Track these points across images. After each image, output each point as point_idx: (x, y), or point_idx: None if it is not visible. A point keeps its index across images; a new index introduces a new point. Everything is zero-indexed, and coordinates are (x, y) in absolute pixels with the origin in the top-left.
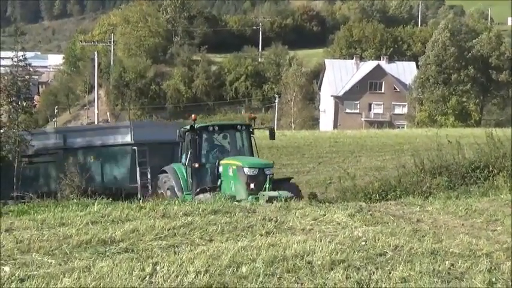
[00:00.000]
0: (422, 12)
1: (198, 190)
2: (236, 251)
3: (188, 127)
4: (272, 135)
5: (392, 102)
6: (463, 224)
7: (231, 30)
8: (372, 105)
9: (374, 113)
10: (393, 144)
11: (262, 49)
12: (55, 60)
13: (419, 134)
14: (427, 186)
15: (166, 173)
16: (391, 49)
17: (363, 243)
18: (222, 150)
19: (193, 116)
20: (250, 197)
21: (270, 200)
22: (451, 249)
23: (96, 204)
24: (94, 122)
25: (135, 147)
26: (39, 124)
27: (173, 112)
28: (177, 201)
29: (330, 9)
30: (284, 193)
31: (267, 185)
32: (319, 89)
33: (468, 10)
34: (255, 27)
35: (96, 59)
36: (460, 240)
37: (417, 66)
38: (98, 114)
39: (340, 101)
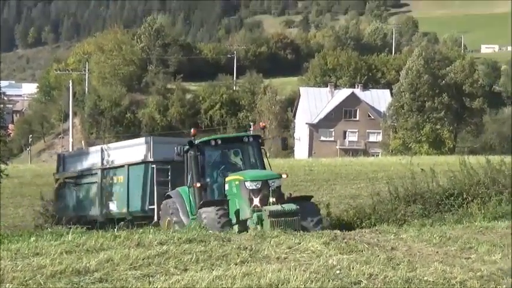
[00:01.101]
0: (396, 39)
1: (201, 203)
2: (211, 280)
3: (187, 143)
4: (284, 146)
5: (367, 130)
6: (437, 252)
7: (205, 58)
8: (347, 133)
9: (349, 141)
10: (368, 172)
11: (237, 77)
12: (29, 89)
13: (393, 162)
14: (402, 214)
15: (172, 197)
16: (366, 77)
17: (338, 271)
18: (229, 166)
19: (192, 130)
20: (254, 214)
21: (244, 228)
22: (425, 278)
23: (70, 233)
24: (69, 151)
25: (154, 166)
26: (14, 153)
27: None
28: (151, 230)
29: (305, 37)
30: (289, 206)
31: (271, 198)
32: (294, 116)
33: (442, 37)
34: (229, 55)
35: (71, 87)
36: (434, 269)
37: (391, 94)
38: (72, 142)
39: (315, 128)
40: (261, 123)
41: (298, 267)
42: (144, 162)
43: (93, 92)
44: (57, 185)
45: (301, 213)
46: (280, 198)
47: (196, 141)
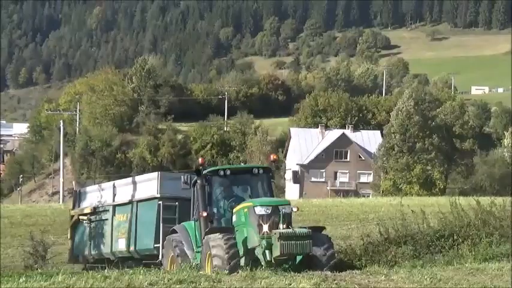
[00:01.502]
0: (387, 81)
1: (207, 230)
2: None
3: (194, 172)
4: (296, 179)
5: (358, 171)
6: None
7: (197, 99)
8: (338, 174)
9: (339, 182)
10: (358, 213)
11: (228, 118)
12: (20, 128)
13: (384, 203)
14: (392, 255)
15: (176, 232)
16: (356, 118)
17: None
18: (237, 199)
19: (200, 159)
20: (263, 241)
21: (251, 259)
22: None
23: (60, 274)
24: (59, 192)
25: (161, 202)
26: (4, 193)
27: None
28: (142, 271)
29: (296, 78)
30: (301, 229)
31: (281, 225)
32: (285, 157)
33: (432, 79)
34: (220, 96)
35: (61, 127)
36: None
37: (382, 135)
38: (63, 183)
39: (305, 169)
40: (272, 155)
41: None
42: (151, 198)
43: (84, 132)
44: (72, 222)
45: (313, 242)
46: (291, 226)
47: (205, 171)
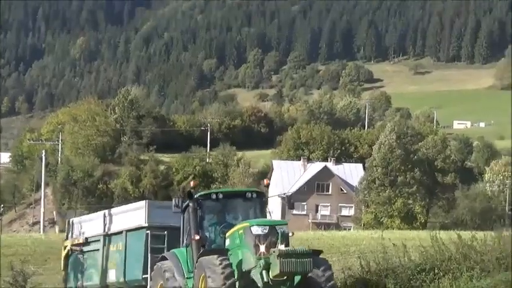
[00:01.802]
0: (369, 114)
1: (201, 252)
2: None
3: (186, 194)
4: (290, 205)
5: (339, 204)
6: None
7: (179, 130)
8: (319, 207)
9: (321, 215)
10: (340, 246)
11: (210, 149)
12: (2, 158)
13: (365, 236)
14: None
15: (166, 259)
16: (339, 151)
17: None
18: (229, 224)
19: (193, 182)
20: (260, 261)
21: (247, 283)
22: None
23: None
24: (39, 221)
25: (148, 232)
26: None
27: None
28: None
29: (278, 110)
30: (301, 248)
31: (279, 243)
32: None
33: (414, 113)
34: (203, 128)
35: (43, 157)
36: None
37: (364, 168)
38: (44, 213)
39: (287, 202)
40: (265, 180)
41: None
42: (139, 228)
43: (66, 162)
44: (65, 252)
45: (315, 264)
46: (288, 246)
47: (196, 195)
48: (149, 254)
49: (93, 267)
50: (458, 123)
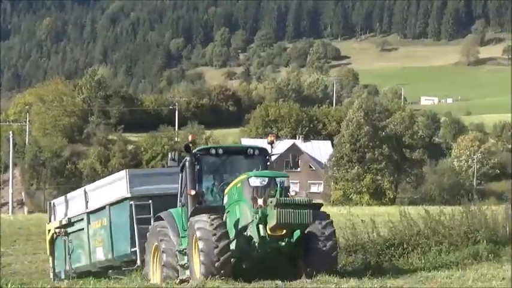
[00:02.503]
0: (337, 91)
1: (192, 210)
2: None
3: (183, 148)
4: (295, 164)
5: (308, 181)
6: None
7: (147, 109)
8: None
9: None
10: None
11: (179, 128)
12: None
13: (334, 213)
14: (343, 264)
15: (162, 219)
16: (307, 128)
17: None
18: (228, 182)
19: (191, 135)
20: (257, 214)
21: (243, 242)
22: None
23: (9, 284)
24: (8, 203)
25: (132, 202)
26: None
27: None
28: (92, 282)
29: (246, 88)
30: (300, 198)
31: (278, 193)
32: None
33: (382, 89)
34: (171, 107)
35: (11, 138)
36: None
37: (332, 145)
38: (12, 194)
39: None
40: (269, 136)
41: None
42: (122, 199)
43: (34, 143)
44: (50, 237)
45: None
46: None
47: (195, 149)
48: (135, 226)
49: (80, 248)
50: (425, 99)
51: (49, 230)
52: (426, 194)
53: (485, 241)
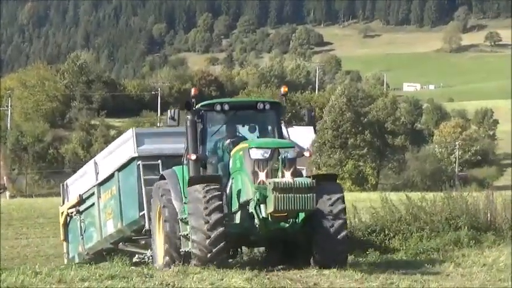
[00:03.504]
0: (320, 77)
1: (189, 178)
2: None
3: (184, 104)
4: (311, 119)
5: None
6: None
7: (129, 94)
8: None
9: None
10: None
11: (161, 113)
12: None
13: None
14: None
15: (165, 179)
16: (290, 114)
17: None
18: (237, 140)
19: (193, 89)
20: (257, 193)
21: (244, 217)
22: None
23: None
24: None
25: (140, 162)
26: None
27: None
28: (73, 266)
29: (229, 74)
30: (302, 180)
31: (280, 170)
32: None
33: (365, 76)
34: (153, 92)
35: None
36: None
37: (315, 131)
38: None
39: None
40: (283, 87)
41: None
42: (130, 161)
43: (16, 128)
44: (63, 220)
45: (319, 192)
46: (294, 174)
47: (197, 105)
48: (143, 188)
49: (92, 226)
50: (407, 86)
51: (62, 213)
52: (408, 180)
53: (466, 227)
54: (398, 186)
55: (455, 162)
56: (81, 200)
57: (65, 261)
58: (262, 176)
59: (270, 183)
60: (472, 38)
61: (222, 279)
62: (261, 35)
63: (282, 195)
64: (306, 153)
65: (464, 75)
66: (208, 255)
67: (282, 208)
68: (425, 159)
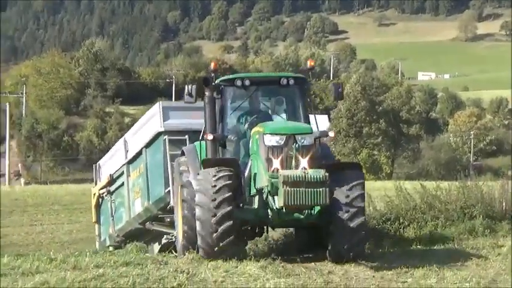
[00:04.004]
0: (334, 66)
1: (202, 161)
2: None
3: (202, 80)
4: (338, 94)
5: None
6: (373, 276)
7: (144, 82)
8: None
9: None
10: None
11: (175, 101)
12: None
13: None
14: None
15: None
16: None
17: None
18: (260, 117)
19: (213, 63)
20: (269, 183)
21: (262, 204)
22: None
23: (5, 256)
24: (5, 174)
25: (166, 137)
26: None
27: (86, 164)
28: (88, 253)
29: (243, 62)
30: (315, 172)
31: (294, 154)
32: None
33: (379, 64)
34: (168, 80)
35: (7, 110)
36: None
37: (329, 120)
38: (9, 165)
39: None
40: (309, 61)
41: None
42: (156, 136)
43: (30, 115)
44: (95, 201)
45: (339, 180)
46: (312, 162)
47: (217, 81)
48: (169, 163)
49: (122, 206)
50: (422, 75)
51: (94, 194)
52: (423, 169)
53: (481, 216)
54: (413, 175)
55: (470, 152)
56: (112, 180)
57: (97, 244)
58: (276, 163)
59: (280, 175)
60: (487, 27)
61: (237, 267)
62: (275, 23)
63: (293, 189)
64: (331, 133)
65: (480, 64)
66: (215, 249)
67: (292, 203)
68: (440, 149)
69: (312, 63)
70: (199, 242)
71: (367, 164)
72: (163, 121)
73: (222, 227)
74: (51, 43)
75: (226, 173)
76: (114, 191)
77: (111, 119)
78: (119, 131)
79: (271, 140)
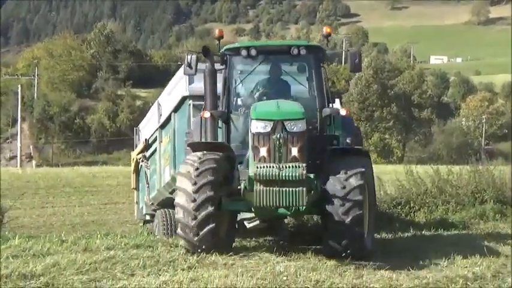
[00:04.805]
0: (346, 49)
1: (190, 144)
2: (158, 285)
3: (201, 50)
4: (355, 65)
5: None
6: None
7: (156, 65)
8: None
9: None
10: None
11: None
12: None
13: None
14: None
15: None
16: None
17: (284, 278)
18: (270, 92)
19: (218, 30)
20: (248, 178)
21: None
22: (371, 285)
23: (17, 237)
24: (16, 156)
25: (191, 102)
26: None
27: (97, 146)
28: (99, 235)
29: None
30: (292, 171)
31: (278, 148)
32: None
33: (392, 48)
34: (180, 63)
35: (19, 92)
36: (380, 276)
37: (341, 103)
38: (20, 147)
39: None
40: (326, 27)
41: (245, 274)
42: (183, 100)
43: (42, 97)
44: (134, 167)
45: (335, 168)
46: (301, 151)
47: (221, 50)
48: None
49: (155, 173)
50: (435, 59)
51: (133, 159)
52: (434, 154)
53: (492, 201)
54: (424, 159)
55: (481, 136)
56: (147, 145)
57: (135, 211)
58: (263, 151)
59: (253, 173)
60: (500, 11)
61: (247, 249)
62: (287, 6)
63: (265, 189)
64: (342, 111)
65: (492, 48)
66: (195, 238)
67: (264, 204)
68: (451, 133)
69: (329, 30)
70: (178, 230)
71: (379, 147)
72: (189, 84)
73: (202, 214)
74: (63, 25)
75: (212, 156)
76: (149, 157)
77: (123, 101)
78: (130, 114)
79: (258, 127)
